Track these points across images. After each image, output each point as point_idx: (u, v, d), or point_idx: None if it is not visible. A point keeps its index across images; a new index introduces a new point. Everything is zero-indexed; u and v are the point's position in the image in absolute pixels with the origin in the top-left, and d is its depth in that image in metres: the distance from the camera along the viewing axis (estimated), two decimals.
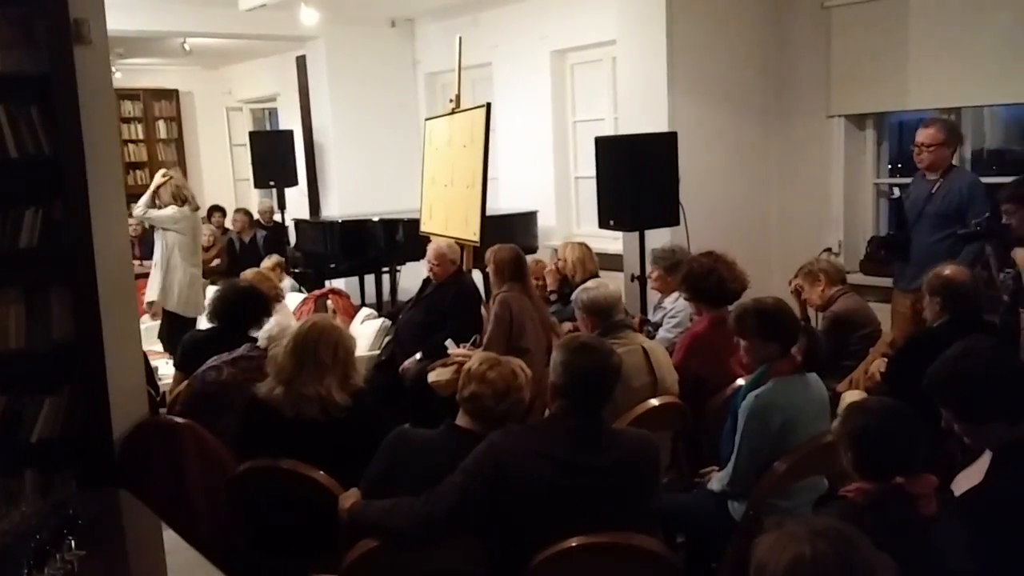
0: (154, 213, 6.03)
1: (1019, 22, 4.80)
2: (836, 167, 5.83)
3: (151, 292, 6.12)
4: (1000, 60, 4.90)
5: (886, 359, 3.87)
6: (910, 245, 4.70)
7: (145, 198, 6.07)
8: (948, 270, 3.63)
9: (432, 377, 4.54)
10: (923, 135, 4.60)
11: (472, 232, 5.37)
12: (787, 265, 5.83)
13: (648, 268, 5.01)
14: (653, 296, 5.10)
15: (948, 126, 4.70)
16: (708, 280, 3.89)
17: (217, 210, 10.08)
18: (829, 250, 5.69)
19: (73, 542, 2.30)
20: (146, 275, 6.54)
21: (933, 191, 4.59)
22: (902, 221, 4.82)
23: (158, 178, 6.12)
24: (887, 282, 5.00)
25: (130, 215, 5.80)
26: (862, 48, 5.55)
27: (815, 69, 5.79)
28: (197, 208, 6.29)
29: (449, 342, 4.80)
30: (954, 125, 4.91)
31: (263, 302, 4.24)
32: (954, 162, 4.71)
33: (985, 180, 4.76)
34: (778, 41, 5.91)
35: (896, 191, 5.07)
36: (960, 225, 4.47)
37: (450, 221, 5.79)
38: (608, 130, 6.83)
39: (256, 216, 9.69)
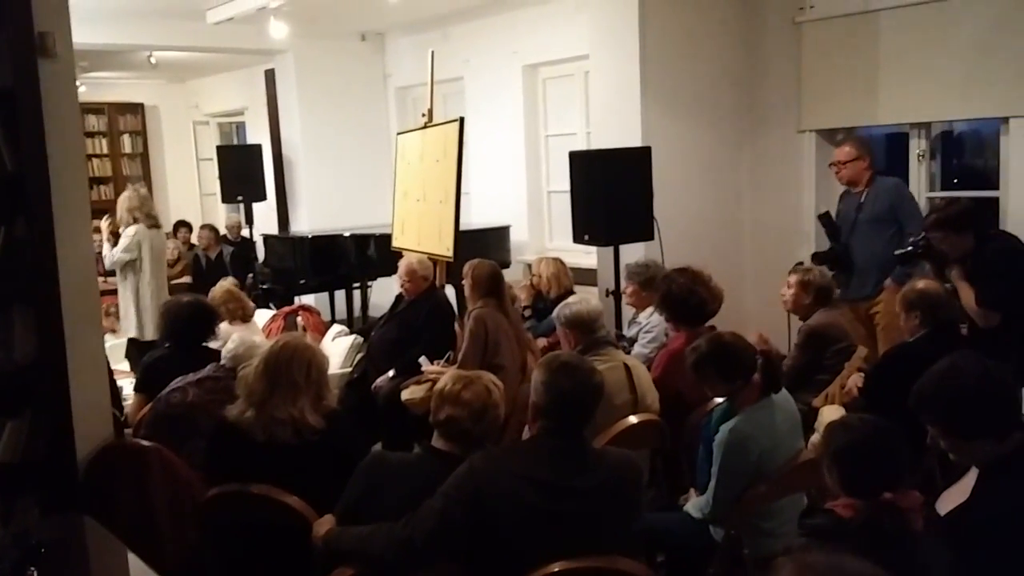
0: (121, 252, 5.91)
1: (983, 40, 4.87)
2: (807, 181, 5.88)
3: (130, 329, 5.98)
4: (965, 76, 4.97)
5: (862, 374, 3.87)
6: (849, 256, 4.86)
7: (107, 245, 5.97)
8: (921, 283, 3.67)
9: (406, 395, 4.49)
10: (838, 153, 4.96)
11: (446, 247, 5.32)
12: (760, 279, 5.87)
13: (623, 283, 4.99)
14: (627, 311, 5.08)
15: (859, 142, 5.03)
16: (689, 302, 3.87)
17: (183, 225, 9.94)
18: (801, 264, 5.71)
19: (36, 572, 2.21)
20: (111, 292, 6.41)
21: (862, 201, 4.86)
22: (836, 234, 4.93)
23: (105, 225, 6.06)
24: None
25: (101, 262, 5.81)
26: (832, 64, 5.61)
27: (786, 84, 5.83)
28: (156, 225, 6.12)
29: (423, 359, 4.74)
30: (864, 140, 5.23)
31: (210, 312, 4.23)
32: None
33: (951, 194, 4.89)
34: (750, 56, 5.94)
35: (821, 207, 5.22)
36: (896, 224, 4.61)
37: (423, 236, 5.73)
38: (580, 144, 6.83)
39: (223, 232, 9.56)
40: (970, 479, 2.17)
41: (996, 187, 5.04)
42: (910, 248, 4.17)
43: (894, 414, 2.33)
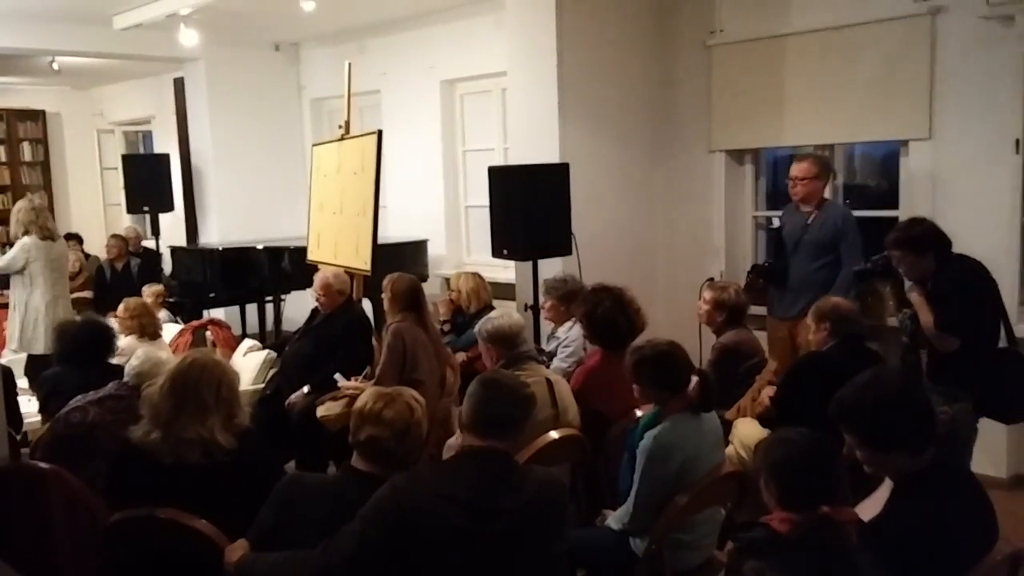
0: (3, 261, 5.68)
1: (885, 66, 5.07)
2: (717, 200, 6.01)
3: (12, 341, 5.72)
4: (867, 101, 5.17)
5: (773, 386, 3.97)
6: (787, 273, 4.88)
7: None
8: (832, 298, 3.79)
9: (322, 411, 4.40)
10: (797, 169, 4.86)
11: (363, 261, 5.24)
12: (672, 293, 5.98)
13: (541, 298, 5.00)
14: (546, 326, 5.10)
15: (820, 160, 4.96)
16: (613, 327, 3.89)
17: (72, 238, 9.38)
18: (712, 280, 5.83)
19: None
20: (3, 306, 6.13)
21: (809, 222, 4.84)
22: (780, 250, 5.01)
23: None
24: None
25: None
26: (741, 86, 5.76)
27: (697, 105, 5.96)
28: (50, 238, 5.87)
29: (338, 375, 4.65)
30: (826, 159, 5.16)
31: (105, 329, 4.10)
32: (826, 195, 4.96)
33: (856, 213, 5.03)
34: (663, 77, 6.06)
35: (776, 221, 5.28)
36: (834, 254, 4.70)
37: (339, 249, 5.64)
38: (498, 160, 6.84)
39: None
40: (884, 491, 2.22)
41: (895, 207, 5.24)
42: (868, 266, 4.13)
43: (804, 424, 2.38)
